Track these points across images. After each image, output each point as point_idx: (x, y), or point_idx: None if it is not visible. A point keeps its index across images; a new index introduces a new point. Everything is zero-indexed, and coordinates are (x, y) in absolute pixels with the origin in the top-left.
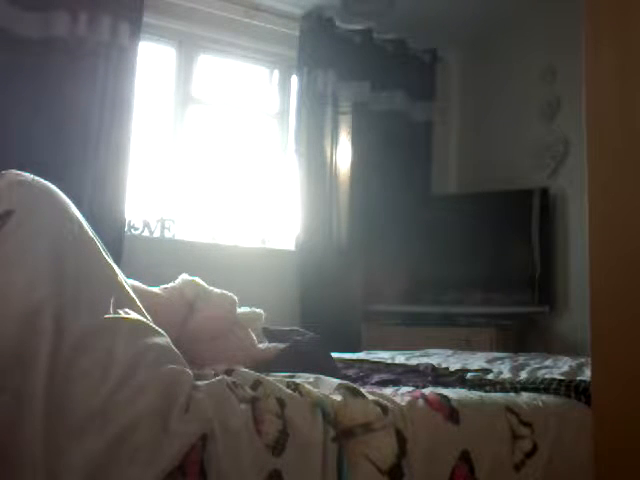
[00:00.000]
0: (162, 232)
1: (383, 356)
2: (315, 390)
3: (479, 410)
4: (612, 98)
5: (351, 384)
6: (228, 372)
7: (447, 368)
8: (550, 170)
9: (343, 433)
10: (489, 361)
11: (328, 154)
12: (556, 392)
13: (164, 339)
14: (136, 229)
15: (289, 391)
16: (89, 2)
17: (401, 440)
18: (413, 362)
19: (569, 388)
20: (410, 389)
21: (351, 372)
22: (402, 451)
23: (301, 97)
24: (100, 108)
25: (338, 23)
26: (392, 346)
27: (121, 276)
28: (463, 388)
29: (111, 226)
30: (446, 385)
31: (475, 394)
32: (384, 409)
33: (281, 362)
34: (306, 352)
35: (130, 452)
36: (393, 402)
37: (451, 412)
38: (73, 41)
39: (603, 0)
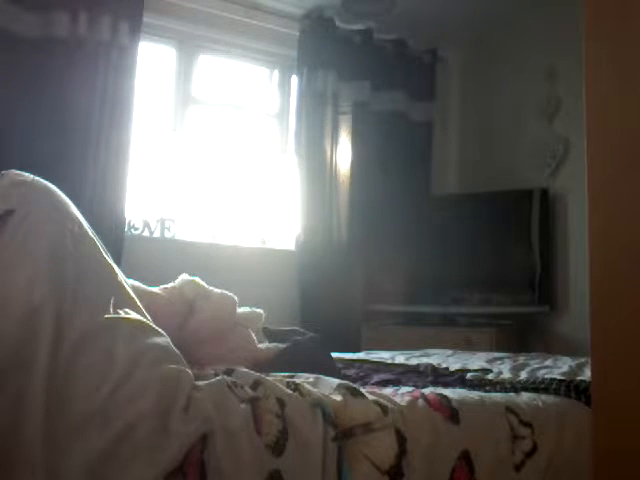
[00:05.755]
0: (162, 232)
1: (383, 356)
2: (315, 390)
3: (479, 410)
4: (612, 98)
5: (351, 384)
6: (228, 372)
7: (447, 368)
8: (550, 170)
9: (343, 433)
10: (489, 361)
11: (328, 154)
12: (556, 392)
13: (164, 339)
14: (136, 229)
15: (289, 391)
16: (89, 2)
17: (401, 440)
18: (413, 362)
19: (569, 388)
20: (410, 389)
21: (351, 372)
22: (402, 451)
23: (301, 97)
24: (100, 108)
25: (338, 23)
26: (392, 346)
27: (121, 276)
28: (463, 388)
29: (111, 226)
30: (446, 385)
31: (475, 394)
32: (384, 409)
33: (281, 362)
34: (306, 352)
35: (130, 452)
36: (393, 402)
37: (451, 412)
38: (73, 41)
39: (603, 0)
